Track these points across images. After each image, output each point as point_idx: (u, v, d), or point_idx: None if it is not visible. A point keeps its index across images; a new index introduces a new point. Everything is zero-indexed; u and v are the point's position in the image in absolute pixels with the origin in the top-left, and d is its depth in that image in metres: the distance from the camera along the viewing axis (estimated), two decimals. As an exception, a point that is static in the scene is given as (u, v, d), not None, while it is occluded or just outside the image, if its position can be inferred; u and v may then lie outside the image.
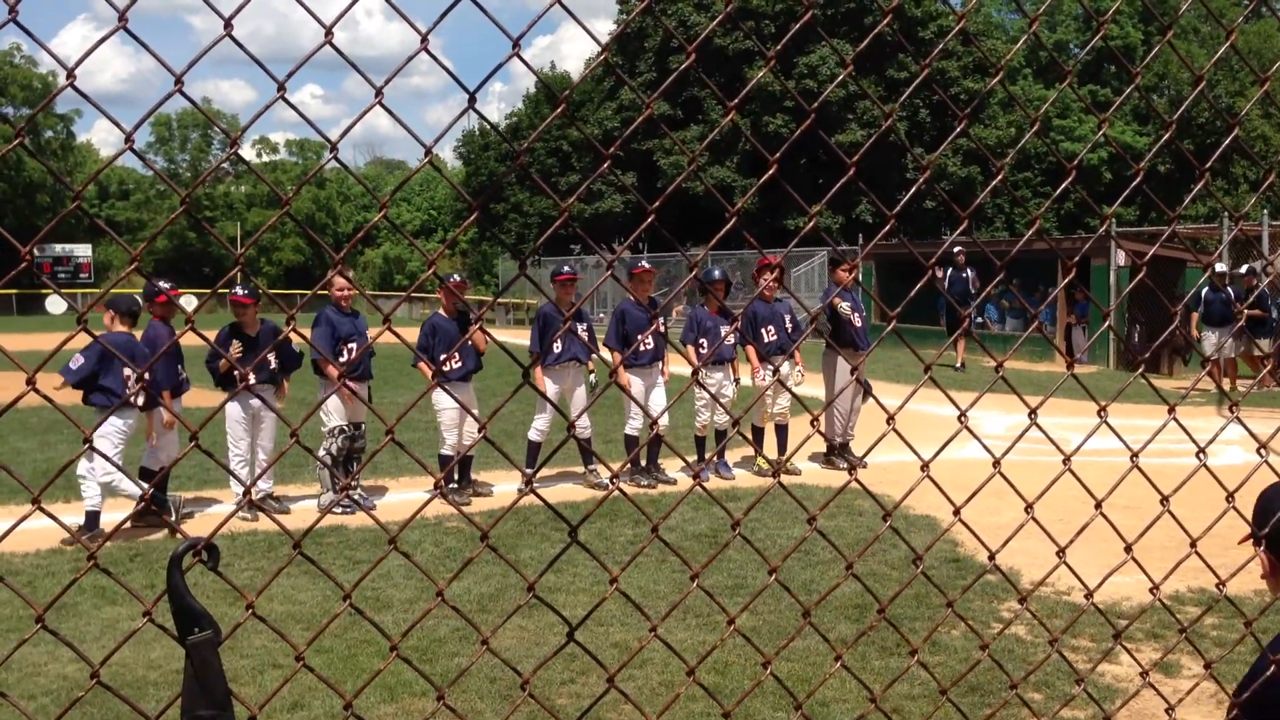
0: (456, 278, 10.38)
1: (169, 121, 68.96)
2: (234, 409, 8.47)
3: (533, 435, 9.58)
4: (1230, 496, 1.80)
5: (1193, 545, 1.80)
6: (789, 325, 10.38)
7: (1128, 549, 1.76)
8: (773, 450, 10.34)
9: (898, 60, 39.99)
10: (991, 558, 1.66)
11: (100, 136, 79.58)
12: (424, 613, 1.41)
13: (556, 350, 9.42)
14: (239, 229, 63.16)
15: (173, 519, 7.82)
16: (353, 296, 8.87)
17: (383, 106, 1.29)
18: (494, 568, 6.95)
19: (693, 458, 10.18)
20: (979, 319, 22.60)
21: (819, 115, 1.55)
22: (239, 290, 8.69)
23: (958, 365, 18.84)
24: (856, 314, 10.70)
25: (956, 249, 19.50)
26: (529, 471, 9.14)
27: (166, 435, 8.36)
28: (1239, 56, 2.03)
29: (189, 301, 42.00)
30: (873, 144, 1.71)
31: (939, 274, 18.55)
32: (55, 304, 48.14)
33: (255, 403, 8.47)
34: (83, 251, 55.72)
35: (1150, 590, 1.87)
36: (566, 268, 9.85)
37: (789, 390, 1.96)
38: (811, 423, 1.59)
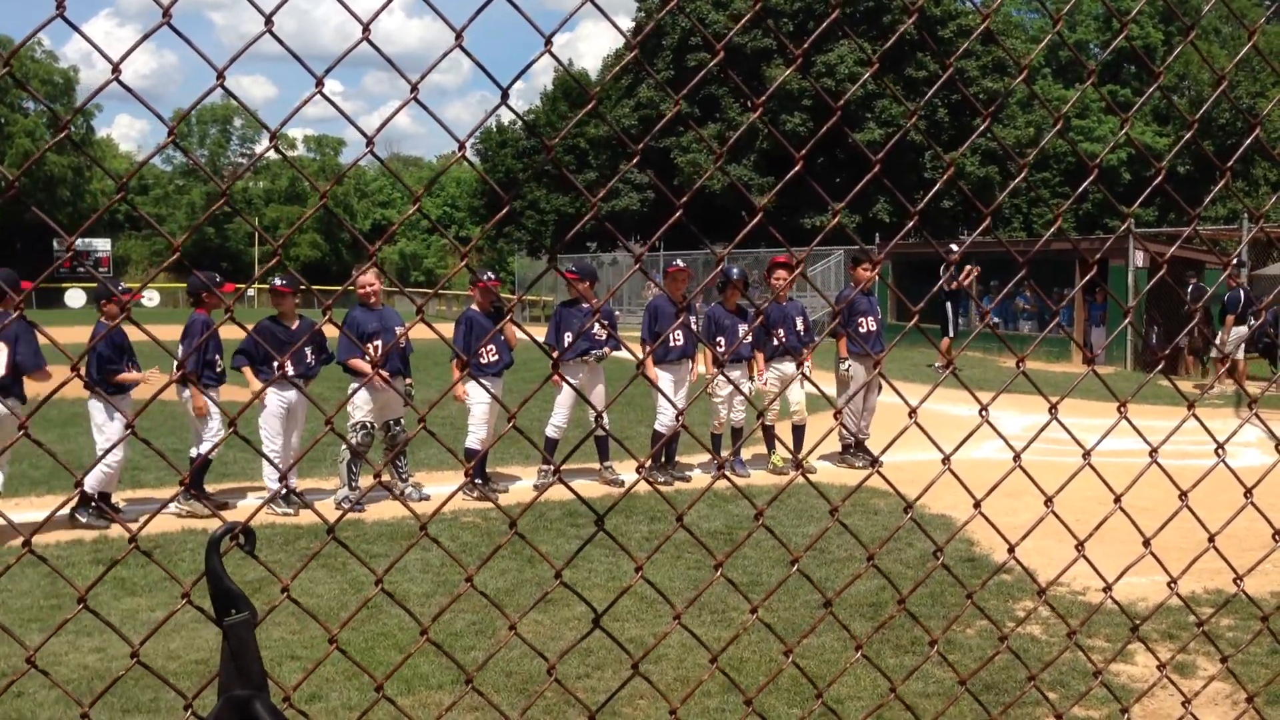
0: (491, 275, 10.34)
1: (188, 117, 69.23)
2: (272, 403, 8.42)
3: (550, 432, 9.58)
4: (1248, 493, 1.82)
5: (1210, 541, 1.82)
6: (800, 328, 10.28)
7: (1146, 543, 1.78)
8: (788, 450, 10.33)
9: (916, 59, 39.91)
10: (1011, 550, 1.68)
11: (120, 131, 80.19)
12: (453, 598, 1.45)
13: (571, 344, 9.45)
14: (258, 223, 63.49)
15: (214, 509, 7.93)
16: (378, 293, 8.93)
17: (418, 103, 1.32)
18: (510, 562, 6.99)
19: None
20: (997, 319, 22.54)
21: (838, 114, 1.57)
22: (278, 280, 8.76)
23: (938, 366, 18.59)
24: (870, 317, 10.63)
25: (949, 248, 19.52)
26: (552, 464, 9.18)
27: (204, 424, 8.30)
28: (1260, 57, 2.05)
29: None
30: (895, 143, 1.73)
31: (943, 273, 18.49)
32: (74, 298, 48.49)
33: (290, 396, 8.43)
34: (102, 245, 56.01)
35: (1168, 584, 1.89)
36: (571, 266, 9.93)
37: (812, 384, 1.97)
38: (835, 415, 1.61)
